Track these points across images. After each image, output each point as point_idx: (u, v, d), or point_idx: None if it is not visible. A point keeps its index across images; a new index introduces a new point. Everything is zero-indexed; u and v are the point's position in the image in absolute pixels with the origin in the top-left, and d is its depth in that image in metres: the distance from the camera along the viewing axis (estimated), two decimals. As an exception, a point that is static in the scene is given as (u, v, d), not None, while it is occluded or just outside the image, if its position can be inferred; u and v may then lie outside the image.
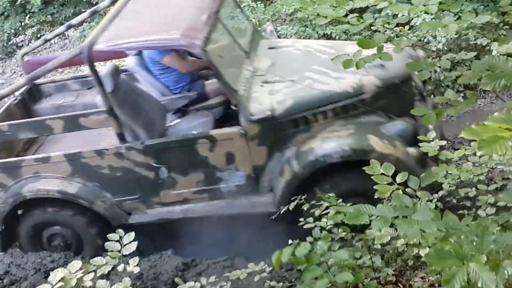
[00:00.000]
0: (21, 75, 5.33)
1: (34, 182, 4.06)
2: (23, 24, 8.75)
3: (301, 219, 3.09)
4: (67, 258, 4.12)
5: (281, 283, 3.23)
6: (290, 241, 2.39)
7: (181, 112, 4.60)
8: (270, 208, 3.92)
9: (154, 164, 3.98)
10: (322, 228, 2.80)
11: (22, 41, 8.55)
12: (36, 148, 4.80)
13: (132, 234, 2.33)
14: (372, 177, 2.25)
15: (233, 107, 4.03)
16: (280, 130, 3.84)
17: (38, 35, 8.31)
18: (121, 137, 3.91)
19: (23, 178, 4.10)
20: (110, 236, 2.36)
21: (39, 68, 5.14)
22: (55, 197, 4.06)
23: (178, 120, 4.50)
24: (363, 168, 2.30)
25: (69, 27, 5.09)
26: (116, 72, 4.00)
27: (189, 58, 4.66)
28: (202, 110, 4.55)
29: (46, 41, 5.08)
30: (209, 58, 3.60)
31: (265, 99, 3.84)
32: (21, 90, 5.02)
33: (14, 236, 4.34)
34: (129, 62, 4.55)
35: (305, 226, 2.99)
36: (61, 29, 5.08)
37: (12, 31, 8.83)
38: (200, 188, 4.09)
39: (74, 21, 5.04)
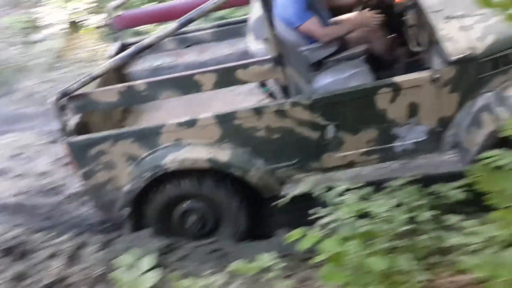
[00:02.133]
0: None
1: (178, 151, 3.38)
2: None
3: None
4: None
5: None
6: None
7: (318, 65, 3.95)
8: (457, 168, 3.33)
9: (322, 122, 3.34)
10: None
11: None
12: (134, 118, 4.11)
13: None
14: None
15: (416, 49, 3.39)
16: (478, 72, 3.23)
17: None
18: (286, 92, 3.25)
19: (161, 147, 3.43)
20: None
21: (133, 23, 4.48)
22: (202, 167, 3.41)
23: (323, 74, 3.86)
24: None
25: None
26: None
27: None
28: (343, 61, 3.92)
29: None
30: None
31: (459, 36, 3.22)
32: (113, 51, 4.32)
33: (141, 216, 3.69)
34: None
35: None
36: None
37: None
38: (370, 148, 3.47)
39: None
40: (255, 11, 3.29)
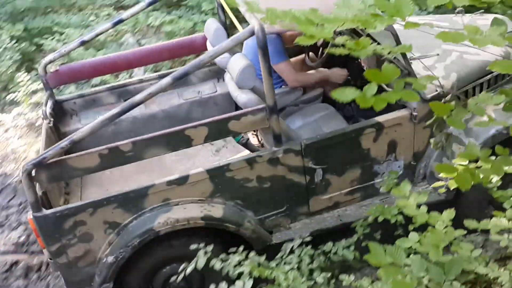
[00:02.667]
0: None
1: (168, 212, 3.11)
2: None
3: None
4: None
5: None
6: None
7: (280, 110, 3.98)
8: (432, 198, 3.57)
9: (312, 166, 3.34)
10: None
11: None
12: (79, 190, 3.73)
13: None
14: None
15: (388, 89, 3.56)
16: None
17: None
18: (279, 139, 3.20)
19: (147, 209, 3.13)
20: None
21: (71, 78, 4.12)
22: (196, 226, 3.17)
23: (290, 119, 3.89)
24: None
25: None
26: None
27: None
28: (302, 105, 4.01)
29: (84, 43, 3.98)
30: (394, 30, 3.14)
31: (426, 75, 3.47)
32: (48, 108, 3.90)
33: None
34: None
35: None
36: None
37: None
38: (353, 188, 3.56)
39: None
40: (237, 61, 3.21)
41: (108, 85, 4.24)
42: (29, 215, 3.01)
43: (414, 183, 3.67)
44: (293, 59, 4.19)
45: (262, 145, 3.94)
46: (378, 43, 3.52)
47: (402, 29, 4.01)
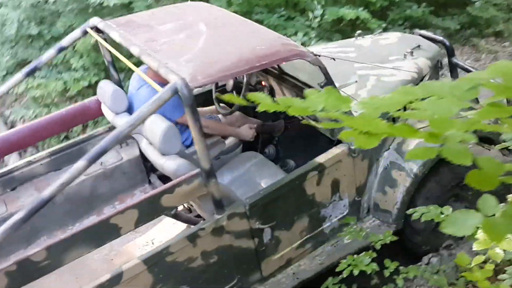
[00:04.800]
0: None
1: None
2: None
3: None
4: None
5: None
6: None
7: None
8: (383, 231, 3.37)
9: (260, 226, 2.94)
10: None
11: None
12: None
13: None
14: None
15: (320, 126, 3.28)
16: None
17: None
18: (221, 205, 2.76)
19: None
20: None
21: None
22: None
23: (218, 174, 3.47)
24: None
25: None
26: None
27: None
28: (222, 157, 3.63)
29: None
30: (322, 63, 2.88)
31: (352, 106, 3.27)
32: None
33: None
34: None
35: None
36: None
37: None
38: (303, 239, 3.22)
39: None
40: (155, 123, 2.73)
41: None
42: None
43: (360, 219, 3.45)
44: (205, 109, 3.80)
45: (190, 210, 3.47)
46: (302, 81, 3.29)
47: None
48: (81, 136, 3.72)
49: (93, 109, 3.58)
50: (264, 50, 2.66)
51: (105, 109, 3.41)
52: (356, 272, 2.60)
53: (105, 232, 2.49)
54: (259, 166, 3.40)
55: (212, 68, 2.52)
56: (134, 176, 3.64)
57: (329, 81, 2.90)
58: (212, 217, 2.76)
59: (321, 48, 4.09)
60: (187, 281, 2.78)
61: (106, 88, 3.29)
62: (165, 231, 3.47)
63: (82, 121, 3.77)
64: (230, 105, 3.79)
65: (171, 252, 2.67)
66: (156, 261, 2.63)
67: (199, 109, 3.83)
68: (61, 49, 3.29)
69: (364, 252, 2.70)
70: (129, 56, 3.07)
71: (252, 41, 2.76)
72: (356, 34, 4.17)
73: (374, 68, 3.63)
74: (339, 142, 3.19)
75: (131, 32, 2.99)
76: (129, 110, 3.28)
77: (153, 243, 3.42)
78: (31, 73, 3.28)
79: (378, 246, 2.77)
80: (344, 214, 3.33)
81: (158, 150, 2.76)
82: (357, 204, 3.37)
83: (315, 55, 2.81)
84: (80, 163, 2.31)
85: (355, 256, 2.70)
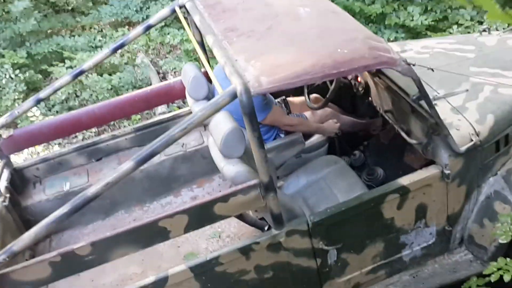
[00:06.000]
0: None
1: None
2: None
3: None
4: None
5: None
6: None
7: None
8: (476, 269, 2.90)
9: (324, 247, 2.65)
10: None
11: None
12: None
13: None
14: None
15: (412, 141, 2.85)
16: (482, 158, 2.82)
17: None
18: (280, 220, 2.51)
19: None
20: None
21: (29, 143, 3.47)
22: None
23: (293, 177, 3.22)
24: None
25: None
26: None
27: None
28: (303, 156, 3.34)
29: (39, 101, 3.28)
30: (416, 75, 2.44)
31: (456, 120, 2.78)
32: (4, 181, 3.24)
33: None
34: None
35: None
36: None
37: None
38: (376, 265, 2.87)
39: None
40: (221, 122, 2.52)
41: (75, 145, 3.57)
42: None
43: (449, 250, 3.00)
44: (294, 100, 3.53)
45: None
46: (398, 86, 2.86)
47: (417, 56, 3.35)
48: (166, 115, 3.67)
49: (177, 90, 3.49)
50: (346, 54, 2.29)
51: (187, 93, 3.28)
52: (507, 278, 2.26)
53: (153, 235, 2.37)
54: (338, 174, 3.07)
55: (280, 73, 2.22)
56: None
57: (422, 95, 2.46)
58: (269, 232, 2.53)
59: (435, 43, 3.55)
60: None
61: (188, 72, 3.13)
62: (234, 226, 3.32)
63: (166, 101, 3.70)
64: (323, 94, 3.48)
65: (221, 263, 2.49)
66: (204, 270, 2.48)
67: (290, 99, 3.57)
68: (149, 27, 3.19)
69: None
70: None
71: (335, 40, 2.39)
72: (480, 29, 3.55)
73: (495, 76, 3.06)
74: (432, 162, 2.75)
75: (214, 18, 2.77)
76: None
77: (219, 237, 3.29)
78: (117, 49, 3.24)
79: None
80: (430, 243, 2.90)
81: (220, 152, 2.56)
82: (447, 234, 2.92)
83: (408, 63, 2.37)
84: (128, 164, 2.19)
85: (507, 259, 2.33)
